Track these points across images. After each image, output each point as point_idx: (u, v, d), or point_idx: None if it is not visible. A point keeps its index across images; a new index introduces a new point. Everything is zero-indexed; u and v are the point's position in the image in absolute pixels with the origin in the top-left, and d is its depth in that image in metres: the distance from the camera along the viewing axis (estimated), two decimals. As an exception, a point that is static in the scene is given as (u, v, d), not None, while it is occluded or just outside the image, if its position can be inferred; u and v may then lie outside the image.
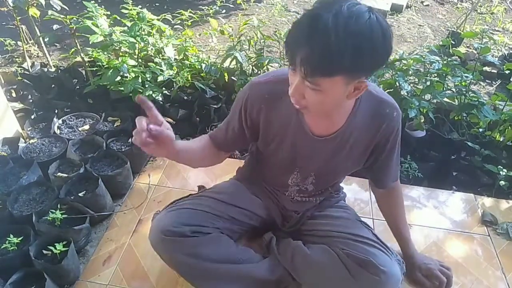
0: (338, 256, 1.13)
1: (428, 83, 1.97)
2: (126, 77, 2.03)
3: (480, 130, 2.02)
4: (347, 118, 1.04)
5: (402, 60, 2.02)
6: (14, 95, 2.32)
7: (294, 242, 1.26)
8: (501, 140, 1.98)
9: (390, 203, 1.31)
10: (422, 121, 1.92)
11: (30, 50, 2.71)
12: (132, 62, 2.02)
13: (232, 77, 2.30)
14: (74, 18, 2.06)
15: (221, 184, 1.36)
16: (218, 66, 2.21)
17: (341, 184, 1.38)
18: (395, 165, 1.20)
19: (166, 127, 0.93)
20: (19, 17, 2.32)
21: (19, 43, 2.67)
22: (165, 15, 2.28)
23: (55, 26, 2.32)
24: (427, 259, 1.38)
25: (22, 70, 2.44)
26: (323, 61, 0.79)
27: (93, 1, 2.09)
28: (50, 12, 2.06)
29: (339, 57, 0.78)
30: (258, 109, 1.08)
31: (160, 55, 2.25)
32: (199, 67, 2.22)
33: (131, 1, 2.18)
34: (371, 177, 1.25)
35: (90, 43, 1.93)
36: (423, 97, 1.94)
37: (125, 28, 2.13)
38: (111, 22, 2.16)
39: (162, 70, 2.11)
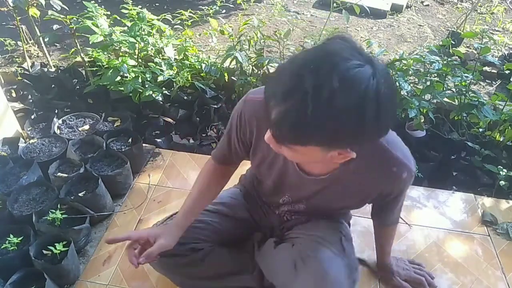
0: (291, 251, 1.11)
1: (428, 83, 1.97)
2: (126, 77, 2.03)
3: (480, 130, 2.02)
4: (340, 164, 0.93)
5: (402, 60, 2.02)
6: (14, 95, 2.32)
7: (268, 242, 1.24)
8: (501, 140, 1.98)
9: (382, 234, 1.28)
10: (422, 121, 1.93)
11: (30, 50, 2.71)
12: (132, 62, 2.03)
13: (232, 77, 2.30)
14: (74, 18, 2.06)
15: (221, 194, 1.31)
16: (218, 66, 2.21)
17: None
18: (396, 211, 1.14)
19: (152, 241, 1.05)
20: (19, 17, 2.32)
21: (19, 43, 2.67)
22: (165, 15, 2.28)
23: (55, 26, 2.31)
24: (401, 262, 1.39)
25: (22, 70, 2.44)
26: (294, 131, 0.68)
27: (93, 1, 2.09)
28: (50, 12, 2.06)
29: (312, 132, 0.67)
30: (250, 130, 1.02)
31: (160, 55, 2.25)
32: (199, 67, 2.21)
33: (131, 1, 2.18)
34: (372, 210, 1.20)
35: (90, 43, 1.93)
36: (423, 97, 1.94)
37: (125, 28, 2.13)
38: (111, 22, 2.16)
39: (162, 70, 2.11)
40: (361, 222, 1.58)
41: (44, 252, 1.33)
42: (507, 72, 2.53)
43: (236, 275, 1.25)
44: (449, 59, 1.95)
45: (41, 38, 2.37)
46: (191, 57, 2.27)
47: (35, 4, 2.20)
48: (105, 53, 2.15)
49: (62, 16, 2.05)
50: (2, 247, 1.32)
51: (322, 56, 0.68)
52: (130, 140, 1.87)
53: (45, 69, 2.44)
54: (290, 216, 1.23)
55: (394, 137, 0.95)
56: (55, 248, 1.30)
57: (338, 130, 0.67)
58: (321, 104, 0.64)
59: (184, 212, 1.14)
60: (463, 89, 1.94)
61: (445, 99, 1.99)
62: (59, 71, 2.45)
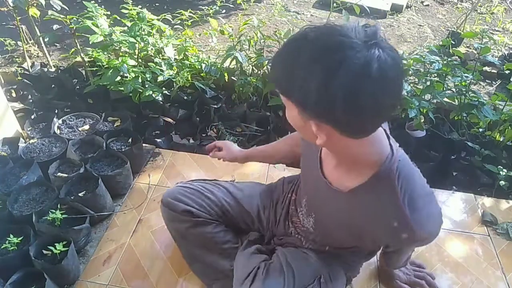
0: (255, 263, 1.14)
1: (428, 83, 1.97)
2: (126, 77, 2.03)
3: (480, 130, 2.02)
4: (351, 189, 0.88)
5: (402, 60, 2.02)
6: (14, 95, 2.32)
7: (253, 247, 1.24)
8: (501, 140, 1.98)
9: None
10: (422, 121, 1.92)
11: (30, 50, 2.71)
12: (132, 62, 2.03)
13: (232, 77, 2.30)
14: (74, 18, 2.06)
15: (247, 183, 1.41)
16: (218, 66, 2.21)
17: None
18: (401, 261, 1.15)
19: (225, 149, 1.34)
20: (19, 17, 2.32)
21: (19, 43, 2.67)
22: (165, 15, 2.28)
23: (55, 26, 2.31)
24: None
25: (22, 70, 2.44)
26: (271, 69, 0.76)
27: (93, 1, 2.09)
28: (50, 12, 2.06)
29: (273, 73, 0.74)
30: None
31: (160, 55, 2.25)
32: (199, 67, 2.22)
33: (131, 1, 2.18)
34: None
35: (90, 43, 1.93)
36: (423, 97, 1.94)
37: (125, 28, 2.13)
38: (111, 22, 2.16)
39: (162, 70, 2.11)
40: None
41: (44, 252, 1.33)
42: (507, 72, 2.53)
43: (221, 259, 1.29)
44: (449, 59, 1.95)
45: (41, 38, 2.37)
46: (191, 57, 2.27)
47: (35, 4, 2.20)
48: (105, 53, 2.15)
49: (62, 16, 2.05)
50: (2, 247, 1.32)
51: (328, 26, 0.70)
52: (130, 140, 1.87)
53: (45, 69, 2.44)
54: (295, 232, 1.21)
55: (423, 196, 0.84)
56: (55, 248, 1.29)
57: (287, 73, 0.69)
58: (291, 50, 0.69)
59: (256, 149, 1.35)
60: (463, 89, 1.94)
61: (445, 99, 1.99)
62: (59, 71, 2.45)
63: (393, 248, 0.98)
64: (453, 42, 2.67)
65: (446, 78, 1.98)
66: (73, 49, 2.29)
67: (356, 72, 0.63)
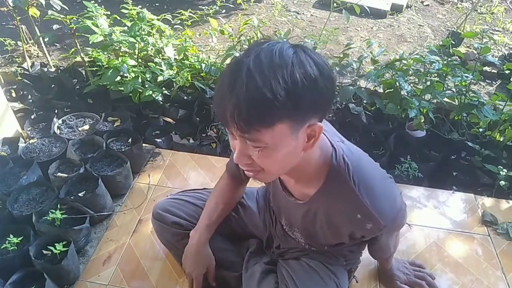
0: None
1: (428, 83, 1.97)
2: (126, 77, 2.03)
3: (480, 130, 2.02)
4: (313, 194, 0.91)
5: (402, 60, 2.02)
6: (14, 95, 2.32)
7: (257, 268, 1.24)
8: (501, 140, 1.98)
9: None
10: (422, 121, 1.92)
11: (30, 50, 2.71)
12: (132, 62, 2.02)
13: (232, 77, 2.30)
14: (74, 18, 2.06)
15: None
16: (218, 66, 2.21)
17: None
18: (384, 249, 1.12)
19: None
20: (19, 17, 2.32)
21: (19, 43, 2.67)
22: (165, 15, 2.28)
23: (55, 26, 2.31)
24: (402, 265, 1.39)
25: (22, 70, 2.44)
26: (254, 108, 0.65)
27: (93, 1, 2.09)
28: (50, 12, 2.06)
29: (272, 97, 0.64)
30: None
31: (160, 55, 2.25)
32: (199, 67, 2.21)
33: (131, 1, 2.18)
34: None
35: (90, 43, 1.93)
36: (423, 97, 1.94)
37: (125, 28, 2.13)
38: (111, 22, 2.16)
39: (162, 70, 2.11)
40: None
41: (44, 252, 1.33)
42: (507, 72, 2.53)
43: (218, 267, 1.28)
44: (449, 59, 1.95)
45: (41, 38, 2.37)
46: (191, 57, 2.27)
47: (35, 4, 2.20)
48: (105, 53, 2.15)
49: (62, 16, 2.05)
50: (2, 247, 1.32)
51: (249, 48, 0.71)
52: (130, 140, 1.87)
53: (45, 69, 2.44)
54: (293, 235, 1.20)
55: (378, 182, 0.87)
56: (55, 248, 1.29)
57: (292, 85, 0.65)
58: (265, 69, 0.65)
59: (207, 225, 1.22)
60: (463, 89, 1.94)
61: (445, 99, 1.99)
62: (59, 71, 2.44)
63: (368, 237, 0.97)
64: (453, 42, 2.67)
65: (446, 78, 1.98)
66: (73, 49, 2.29)
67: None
